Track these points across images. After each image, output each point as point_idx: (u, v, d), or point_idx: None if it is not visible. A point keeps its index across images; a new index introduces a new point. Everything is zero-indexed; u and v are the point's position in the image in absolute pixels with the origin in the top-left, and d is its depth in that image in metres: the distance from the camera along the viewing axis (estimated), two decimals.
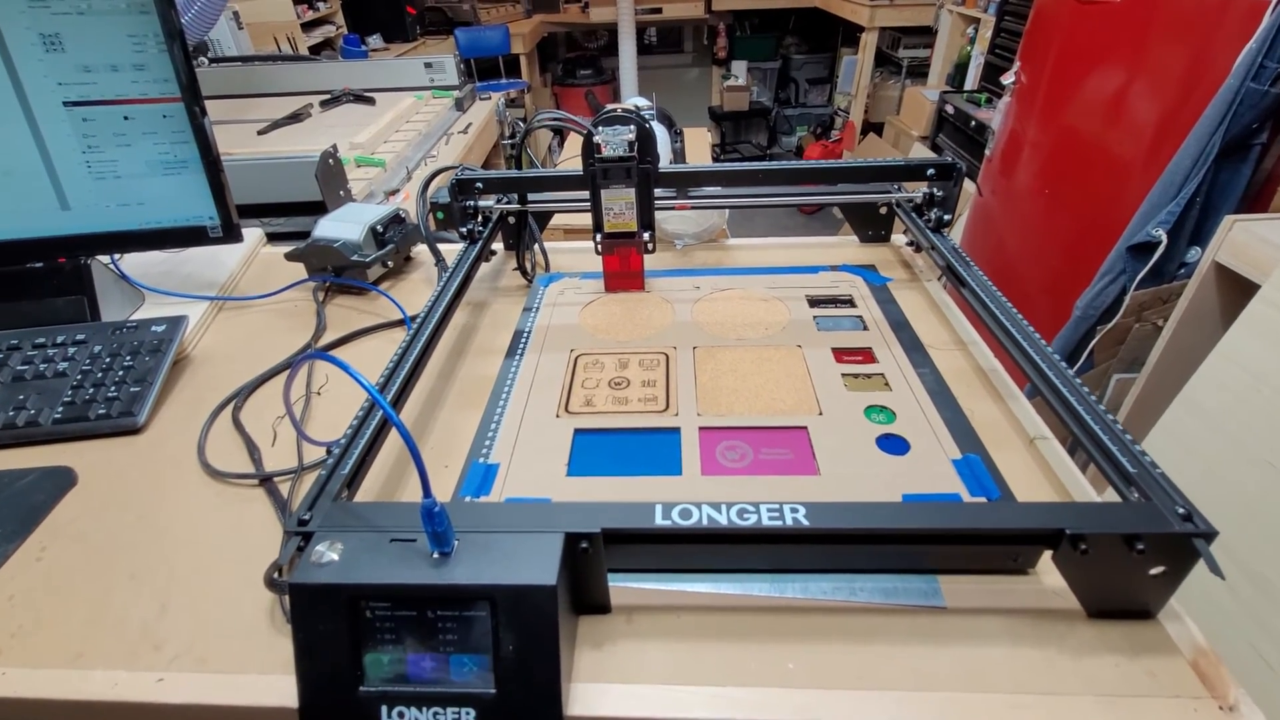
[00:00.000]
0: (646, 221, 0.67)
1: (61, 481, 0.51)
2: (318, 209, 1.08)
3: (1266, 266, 0.90)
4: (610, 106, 0.65)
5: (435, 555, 0.34)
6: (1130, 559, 0.34)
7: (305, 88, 1.77)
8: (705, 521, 0.36)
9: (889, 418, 0.52)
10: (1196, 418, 0.92)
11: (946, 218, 0.69)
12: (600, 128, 0.62)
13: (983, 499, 0.44)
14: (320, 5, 2.90)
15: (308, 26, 2.77)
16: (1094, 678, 0.35)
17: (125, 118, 0.63)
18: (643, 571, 0.41)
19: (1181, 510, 0.35)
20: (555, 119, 0.64)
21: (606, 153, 0.62)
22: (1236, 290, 0.97)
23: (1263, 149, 1.03)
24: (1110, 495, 0.44)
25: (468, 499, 0.46)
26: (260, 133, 1.43)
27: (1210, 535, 0.34)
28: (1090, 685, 0.35)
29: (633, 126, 0.62)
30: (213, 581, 0.43)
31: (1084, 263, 1.25)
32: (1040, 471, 0.48)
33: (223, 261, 0.81)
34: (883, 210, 0.79)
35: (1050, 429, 0.51)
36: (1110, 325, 1.18)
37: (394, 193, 1.33)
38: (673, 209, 0.77)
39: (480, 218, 0.74)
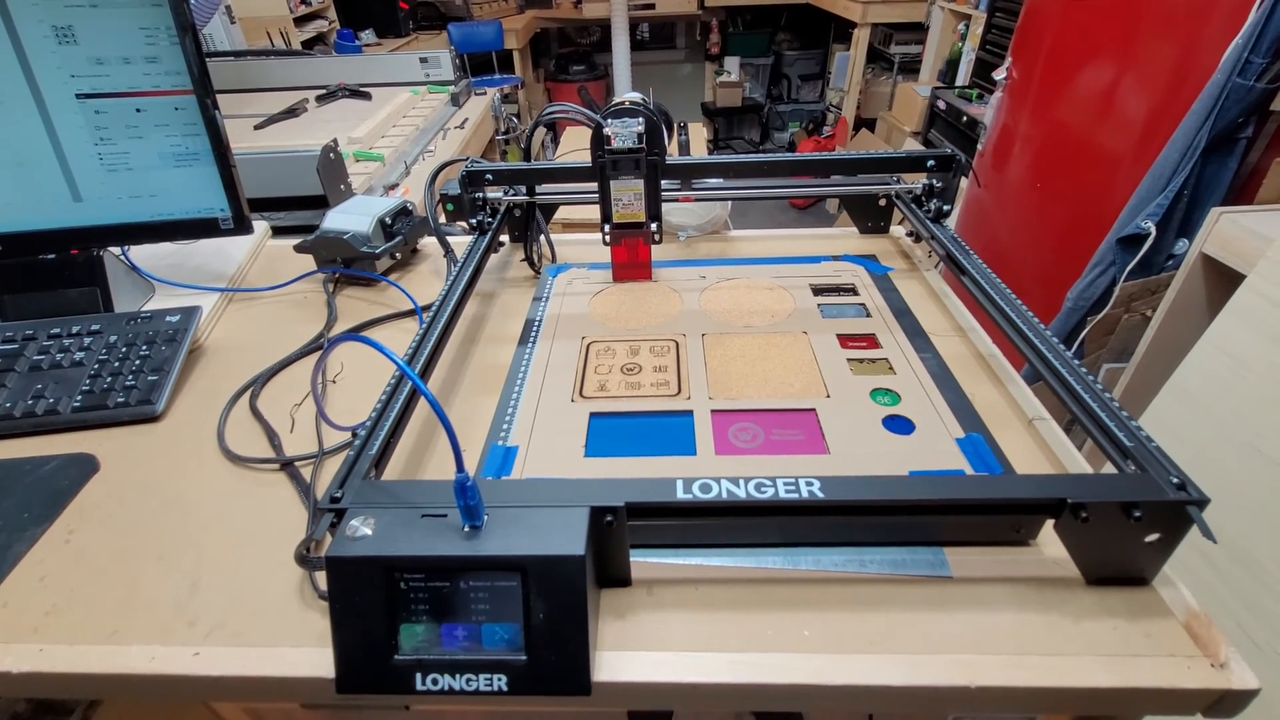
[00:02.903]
0: (654, 212, 0.69)
1: (84, 468, 0.52)
2: (319, 203, 1.08)
3: (1252, 257, 0.92)
4: (618, 99, 0.66)
5: (466, 529, 0.36)
6: (1128, 526, 0.36)
7: (300, 83, 1.76)
8: (725, 495, 0.37)
9: (894, 400, 0.53)
10: (1184, 404, 0.95)
11: (947, 208, 0.71)
12: (610, 120, 0.63)
13: (986, 474, 0.46)
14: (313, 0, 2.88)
15: (300, 21, 2.75)
16: (1094, 639, 0.37)
17: (137, 110, 0.64)
18: (661, 547, 0.42)
19: (1175, 480, 0.37)
20: (564, 111, 0.65)
21: (616, 144, 0.63)
22: (1223, 280, 1.00)
23: (1248, 143, 1.06)
24: (1106, 471, 0.46)
25: (489, 478, 0.47)
26: (257, 128, 1.43)
27: (1203, 502, 0.36)
28: (1091, 646, 0.37)
29: (642, 119, 0.63)
30: (240, 561, 0.44)
31: (1075, 255, 1.27)
32: (1039, 450, 0.50)
33: (230, 254, 0.81)
34: (882, 202, 0.81)
35: (1048, 410, 0.53)
36: (1100, 316, 1.21)
37: (393, 187, 1.33)
38: (677, 200, 0.78)
39: (489, 209, 0.75)
